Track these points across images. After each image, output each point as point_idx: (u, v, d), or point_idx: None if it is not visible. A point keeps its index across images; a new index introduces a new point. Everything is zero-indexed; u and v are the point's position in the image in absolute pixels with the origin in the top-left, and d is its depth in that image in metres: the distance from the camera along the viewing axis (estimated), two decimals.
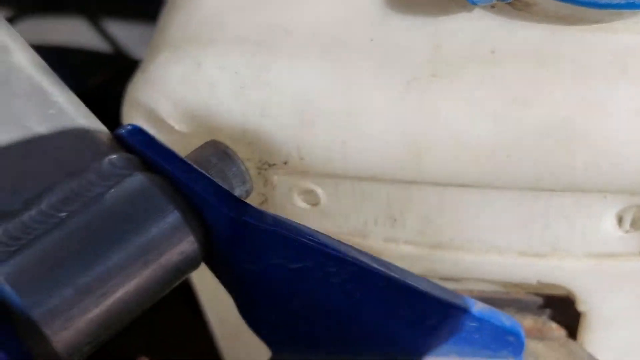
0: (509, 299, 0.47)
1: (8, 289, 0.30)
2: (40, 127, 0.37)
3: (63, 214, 0.33)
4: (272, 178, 0.43)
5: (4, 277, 0.30)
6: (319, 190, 0.43)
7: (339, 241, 0.36)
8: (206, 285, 0.55)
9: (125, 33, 1.09)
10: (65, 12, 1.10)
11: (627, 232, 0.42)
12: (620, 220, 0.42)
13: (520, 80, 0.39)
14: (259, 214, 0.34)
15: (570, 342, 0.48)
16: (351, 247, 0.36)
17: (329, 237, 0.36)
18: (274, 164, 0.42)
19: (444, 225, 0.43)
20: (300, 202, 0.44)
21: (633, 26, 0.39)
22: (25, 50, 0.40)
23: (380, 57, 0.40)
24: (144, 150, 0.36)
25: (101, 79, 0.99)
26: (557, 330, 0.49)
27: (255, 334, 0.40)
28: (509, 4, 0.41)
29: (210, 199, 0.34)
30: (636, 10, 0.38)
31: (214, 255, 0.36)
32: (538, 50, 0.39)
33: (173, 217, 0.34)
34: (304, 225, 0.35)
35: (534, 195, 0.41)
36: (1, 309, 0.31)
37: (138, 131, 0.37)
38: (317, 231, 0.35)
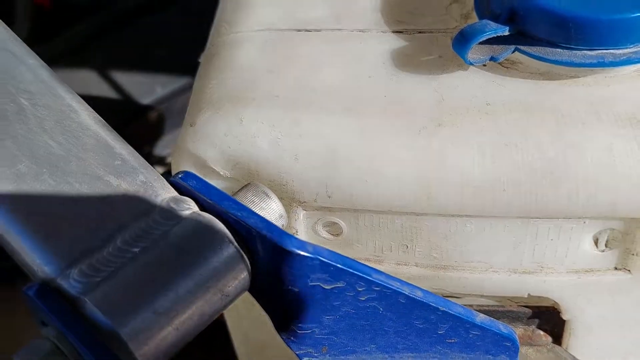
0: (503, 311, 0.54)
1: (99, 313, 0.36)
2: (109, 176, 0.42)
3: (136, 249, 0.39)
4: (301, 213, 0.50)
5: (94, 304, 0.36)
6: (342, 223, 0.50)
7: (366, 265, 0.42)
8: (233, 307, 0.61)
9: (128, 81, 1.15)
10: (77, 62, 1.14)
11: (602, 251, 0.49)
12: (596, 241, 0.49)
13: (511, 127, 0.46)
14: (301, 243, 0.40)
15: (556, 347, 0.55)
16: (375, 269, 0.42)
17: (358, 261, 0.42)
18: (304, 202, 0.48)
19: (448, 250, 0.50)
20: (324, 233, 0.51)
21: (602, 80, 0.47)
22: (88, 109, 0.46)
23: (393, 110, 0.47)
24: (198, 192, 0.42)
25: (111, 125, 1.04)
26: (544, 337, 0.55)
27: (288, 345, 0.45)
28: (499, 63, 0.48)
29: (260, 231, 0.39)
30: (605, 68, 0.46)
31: (256, 280, 0.42)
32: (525, 101, 0.46)
33: (229, 249, 0.40)
34: (337, 253, 0.41)
35: (525, 222, 0.48)
36: (94, 329, 0.36)
37: (191, 176, 0.43)
38: (348, 257, 0.42)
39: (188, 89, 1.11)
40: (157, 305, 0.37)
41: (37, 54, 0.48)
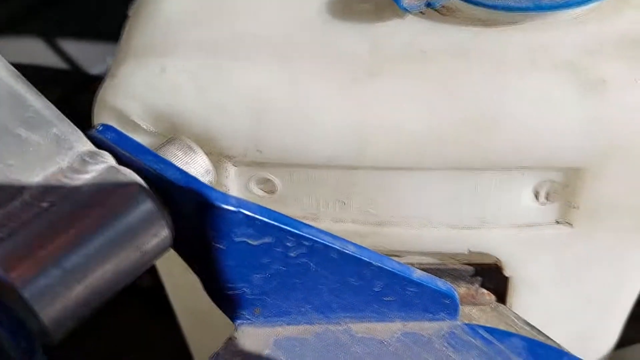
0: (445, 269, 0.52)
1: (1, 272, 0.34)
2: (19, 129, 0.40)
3: (45, 204, 0.36)
4: (231, 170, 0.48)
5: None
6: (275, 179, 0.48)
7: (294, 219, 0.40)
8: (172, 274, 0.59)
9: (78, 50, 1.12)
10: (21, 31, 1.12)
11: (543, 204, 0.48)
12: (537, 194, 0.48)
13: (447, 75, 0.44)
14: (224, 197, 0.38)
15: (500, 305, 0.53)
16: (305, 224, 0.41)
17: (286, 216, 0.40)
18: (234, 157, 0.46)
19: (385, 205, 0.48)
20: (258, 191, 0.49)
21: (540, 26, 0.45)
22: (1, 60, 0.43)
23: (325, 58, 0.45)
24: (115, 145, 0.40)
25: (57, 95, 1.02)
26: (488, 296, 0.53)
27: (220, 308, 0.44)
28: (436, 10, 0.46)
29: (180, 185, 0.38)
30: (542, 12, 0.44)
31: (180, 238, 0.40)
32: (462, 49, 0.45)
33: (146, 204, 0.37)
34: (263, 206, 0.39)
35: (462, 174, 0.46)
36: None
37: (109, 129, 0.41)
38: (275, 211, 0.40)
39: None
40: (64, 262, 0.35)
41: None
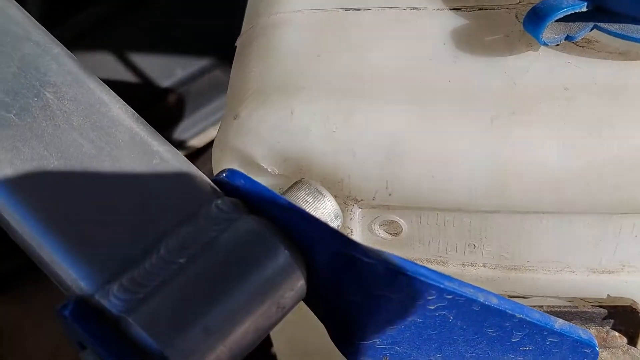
0: (576, 312, 0.50)
1: (143, 334, 0.32)
2: (147, 176, 0.39)
3: (182, 260, 0.35)
4: (357, 212, 0.46)
5: (138, 324, 0.33)
6: (402, 221, 0.46)
7: (437, 272, 0.38)
8: None
9: (146, 63, 1.13)
10: (90, 45, 1.13)
11: None
12: None
13: (593, 113, 0.41)
14: (364, 249, 0.36)
15: (632, 348, 0.51)
16: (448, 276, 0.39)
17: (429, 268, 0.38)
18: (362, 200, 0.44)
19: (520, 249, 0.46)
20: (382, 233, 0.47)
21: None
22: (120, 102, 0.42)
23: (460, 97, 0.43)
24: (246, 192, 0.38)
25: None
26: (619, 339, 0.51)
27: (345, 356, 0.42)
28: (574, 42, 0.44)
29: (317, 236, 0.36)
30: None
31: (312, 289, 0.39)
32: (606, 84, 0.42)
33: (284, 256, 0.36)
34: (404, 259, 0.37)
35: (607, 217, 0.44)
36: (138, 352, 0.33)
37: (237, 175, 0.39)
38: (418, 264, 0.38)
39: (208, 70, 1.14)
40: (207, 323, 0.34)
41: None
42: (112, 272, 0.34)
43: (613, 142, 0.41)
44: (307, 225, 0.37)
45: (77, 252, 0.36)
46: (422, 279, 0.38)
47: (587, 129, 0.41)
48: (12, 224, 0.37)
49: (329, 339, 0.42)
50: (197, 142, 1.16)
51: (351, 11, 0.49)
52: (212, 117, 1.15)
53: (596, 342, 0.43)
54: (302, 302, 0.41)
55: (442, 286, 0.38)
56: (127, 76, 1.11)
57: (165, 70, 1.13)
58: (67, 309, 0.34)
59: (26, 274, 1.03)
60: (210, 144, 1.08)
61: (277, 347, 0.64)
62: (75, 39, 1.09)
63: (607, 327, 0.51)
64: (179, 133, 1.14)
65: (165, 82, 1.13)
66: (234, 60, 0.50)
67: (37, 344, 0.98)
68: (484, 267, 0.47)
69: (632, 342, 0.52)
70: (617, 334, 0.51)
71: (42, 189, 0.37)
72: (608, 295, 0.48)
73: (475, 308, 0.40)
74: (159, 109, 1.11)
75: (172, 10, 1.17)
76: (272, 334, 0.63)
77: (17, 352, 0.97)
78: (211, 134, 1.14)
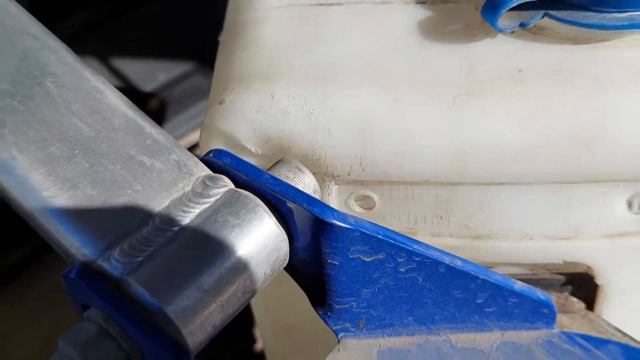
0: (536, 279, 0.55)
1: (144, 293, 0.36)
2: (142, 156, 0.42)
3: (175, 228, 0.39)
4: (333, 187, 0.50)
5: (139, 283, 0.36)
6: (374, 196, 0.50)
7: (405, 236, 0.43)
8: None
9: (129, 68, 1.16)
10: (77, 52, 1.16)
11: (636, 214, 0.50)
12: (630, 204, 0.50)
13: (544, 93, 0.46)
14: (343, 215, 0.40)
15: (590, 313, 0.56)
16: (415, 240, 0.43)
17: (399, 233, 0.42)
18: (338, 176, 0.48)
19: (483, 219, 0.50)
20: (356, 207, 0.51)
21: (633, 42, 0.47)
22: (114, 90, 0.46)
23: (424, 81, 0.47)
24: (232, 169, 0.42)
25: None
26: (577, 304, 0.56)
27: (325, 321, 0.46)
28: (527, 29, 0.48)
29: (300, 204, 0.40)
30: (635, 30, 0.46)
31: (293, 255, 0.43)
32: (556, 67, 0.47)
33: (268, 224, 0.40)
34: (378, 225, 0.42)
35: (559, 187, 0.48)
36: (138, 307, 0.36)
37: (223, 153, 0.43)
38: (388, 228, 0.42)
39: (190, 75, 1.17)
40: (202, 282, 0.38)
41: None
42: (112, 240, 0.38)
43: (562, 119, 0.46)
44: (289, 196, 0.41)
45: (79, 223, 0.39)
46: (393, 242, 0.42)
47: (538, 108, 0.46)
48: (19, 199, 0.40)
49: (308, 316, 0.47)
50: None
51: (325, 6, 0.53)
52: (193, 121, 1.18)
53: (554, 302, 0.48)
54: (283, 282, 0.46)
55: (410, 248, 0.43)
56: (112, 80, 1.13)
57: (149, 74, 1.17)
58: (73, 272, 0.37)
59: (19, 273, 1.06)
60: (191, 148, 1.14)
61: (261, 326, 0.68)
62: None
63: (566, 293, 0.56)
64: None
65: (148, 87, 1.17)
66: (218, 53, 0.54)
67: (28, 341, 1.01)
68: (451, 237, 0.52)
69: (589, 308, 0.56)
70: (575, 299, 0.56)
71: (46, 167, 0.40)
72: (564, 260, 0.52)
73: (441, 270, 0.44)
74: (146, 113, 1.15)
75: (155, 18, 1.21)
76: (256, 313, 0.67)
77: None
78: (192, 137, 1.18)
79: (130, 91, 1.14)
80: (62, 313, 0.83)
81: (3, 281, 1.04)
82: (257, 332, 1.17)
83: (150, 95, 1.17)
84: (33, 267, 1.04)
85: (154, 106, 1.16)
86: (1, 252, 1.03)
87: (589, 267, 0.53)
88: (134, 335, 0.36)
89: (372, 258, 0.42)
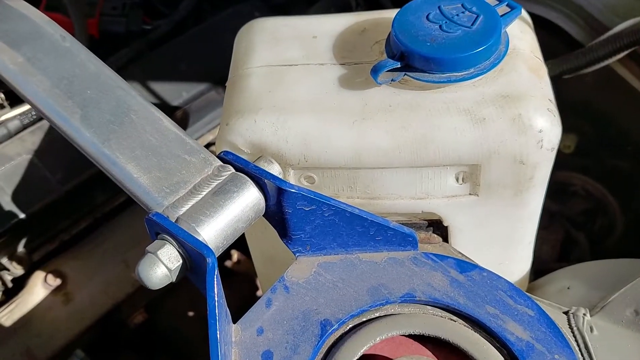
0: (410, 223, 0.83)
1: (193, 226, 0.69)
2: (185, 155, 0.71)
3: (204, 192, 0.69)
4: (290, 172, 0.85)
5: (188, 220, 0.68)
6: (315, 176, 0.84)
7: (328, 196, 0.76)
8: (253, 235, 0.97)
9: (161, 88, 1.39)
10: (123, 79, 1.40)
11: (461, 184, 0.79)
12: (457, 178, 0.79)
13: (402, 117, 0.79)
14: (292, 185, 0.70)
15: (445, 244, 0.79)
16: (332, 198, 0.74)
17: (325, 195, 0.75)
18: (292, 165, 0.82)
19: (375, 188, 0.80)
20: (305, 183, 0.85)
21: (452, 89, 0.79)
22: (166, 117, 0.74)
23: (339, 111, 0.80)
24: (234, 162, 0.75)
25: None
26: (437, 238, 0.81)
27: (288, 246, 0.71)
28: (397, 82, 0.84)
29: (271, 180, 0.70)
30: (451, 83, 0.81)
31: (267, 209, 0.73)
32: (410, 103, 0.80)
33: (254, 191, 0.71)
34: (311, 190, 0.74)
35: (416, 170, 0.81)
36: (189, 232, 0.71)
37: (229, 153, 0.75)
38: (318, 192, 0.76)
39: (205, 92, 1.42)
40: (220, 219, 0.68)
41: None
42: (171, 198, 0.67)
43: (411, 131, 0.79)
44: (264, 176, 0.73)
45: (154, 189, 0.68)
46: (320, 199, 0.73)
47: (399, 125, 0.80)
48: (121, 180, 0.67)
49: (283, 245, 0.71)
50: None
51: (287, 66, 0.87)
52: (208, 126, 1.38)
53: (416, 235, 0.79)
54: (267, 227, 0.74)
55: (330, 203, 0.74)
56: (149, 97, 1.35)
57: (175, 93, 1.37)
58: (153, 214, 0.68)
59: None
60: (207, 145, 1.37)
61: (253, 255, 0.98)
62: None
63: (430, 232, 0.87)
64: None
65: (175, 102, 1.38)
66: (225, 94, 0.88)
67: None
68: (358, 198, 0.83)
69: (444, 241, 0.87)
70: (435, 235, 0.82)
71: (134, 162, 0.67)
72: (423, 211, 0.85)
73: (347, 215, 0.72)
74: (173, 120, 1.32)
75: (179, 52, 1.43)
76: (251, 250, 0.98)
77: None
78: (208, 137, 1.41)
79: (162, 105, 1.35)
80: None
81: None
82: (258, 282, 1.41)
83: (176, 107, 1.38)
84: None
85: (179, 116, 1.37)
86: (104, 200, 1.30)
87: (439, 216, 0.84)
88: (184, 246, 0.61)
89: (309, 208, 0.67)
